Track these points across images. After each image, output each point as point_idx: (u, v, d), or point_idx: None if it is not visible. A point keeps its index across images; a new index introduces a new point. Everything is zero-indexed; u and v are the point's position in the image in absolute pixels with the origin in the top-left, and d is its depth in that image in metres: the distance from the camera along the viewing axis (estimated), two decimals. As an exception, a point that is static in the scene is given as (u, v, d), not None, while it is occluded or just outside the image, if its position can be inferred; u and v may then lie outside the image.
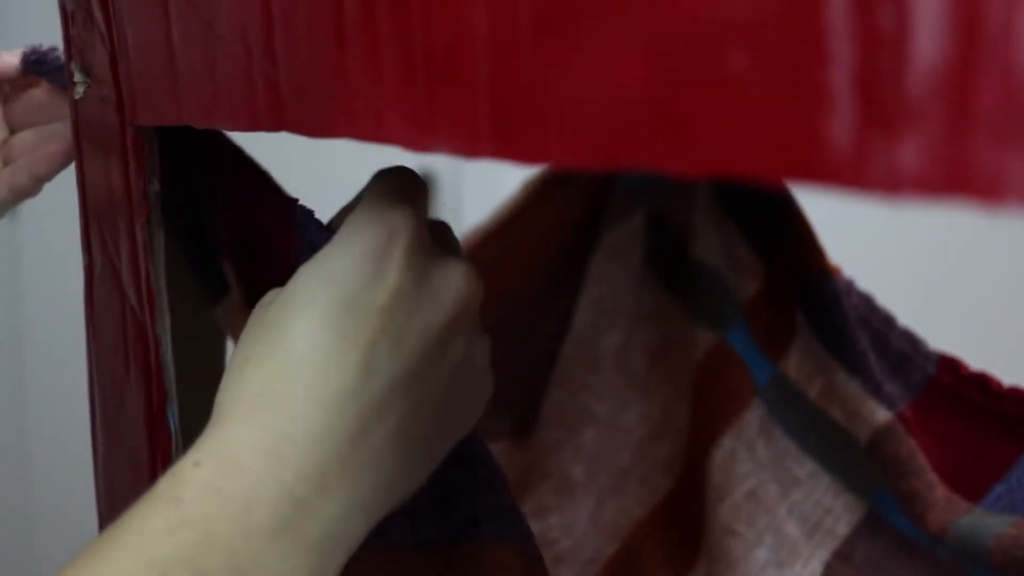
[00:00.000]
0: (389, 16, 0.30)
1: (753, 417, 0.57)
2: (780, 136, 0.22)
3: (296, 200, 0.40)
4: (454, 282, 0.37)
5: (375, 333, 0.34)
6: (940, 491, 0.51)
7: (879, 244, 1.30)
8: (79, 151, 0.45)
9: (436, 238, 0.38)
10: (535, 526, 0.53)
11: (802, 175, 0.22)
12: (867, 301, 0.57)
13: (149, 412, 0.43)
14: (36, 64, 0.50)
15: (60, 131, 0.51)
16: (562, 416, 0.60)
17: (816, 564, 0.55)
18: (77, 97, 0.44)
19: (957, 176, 0.19)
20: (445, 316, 0.36)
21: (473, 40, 0.28)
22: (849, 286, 0.57)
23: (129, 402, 0.45)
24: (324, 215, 0.40)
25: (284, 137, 0.35)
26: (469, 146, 0.29)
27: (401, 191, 0.37)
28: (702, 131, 0.24)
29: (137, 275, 0.42)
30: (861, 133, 0.20)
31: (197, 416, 0.38)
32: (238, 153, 0.44)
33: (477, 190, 1.37)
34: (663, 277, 0.60)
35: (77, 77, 0.44)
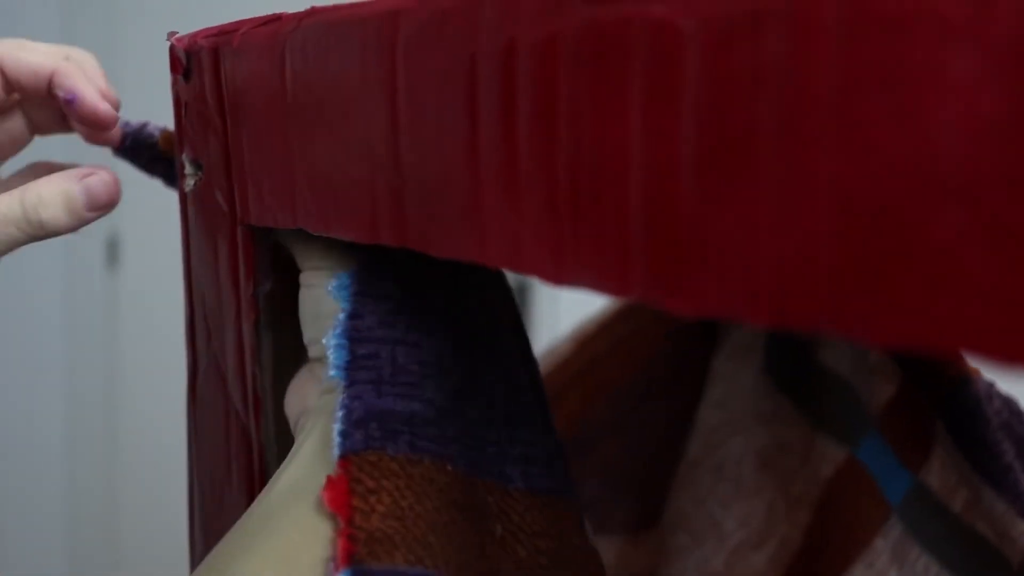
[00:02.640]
0: (531, 133, 0.27)
1: (886, 544, 0.52)
2: (999, 313, 0.19)
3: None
4: None
5: None
6: None
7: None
8: (186, 243, 0.44)
9: None
10: None
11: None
12: (1010, 405, 0.53)
13: (250, 520, 0.41)
14: (130, 151, 0.48)
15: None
16: (688, 523, 0.56)
17: None
18: (187, 190, 0.42)
19: None
20: None
21: (627, 166, 0.25)
22: (990, 389, 0.53)
23: (229, 507, 0.43)
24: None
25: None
26: (617, 285, 0.26)
27: None
28: (899, 298, 0.20)
29: (243, 377, 0.40)
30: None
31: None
32: None
33: (573, 303, 1.35)
34: (782, 380, 0.57)
35: (188, 170, 0.42)
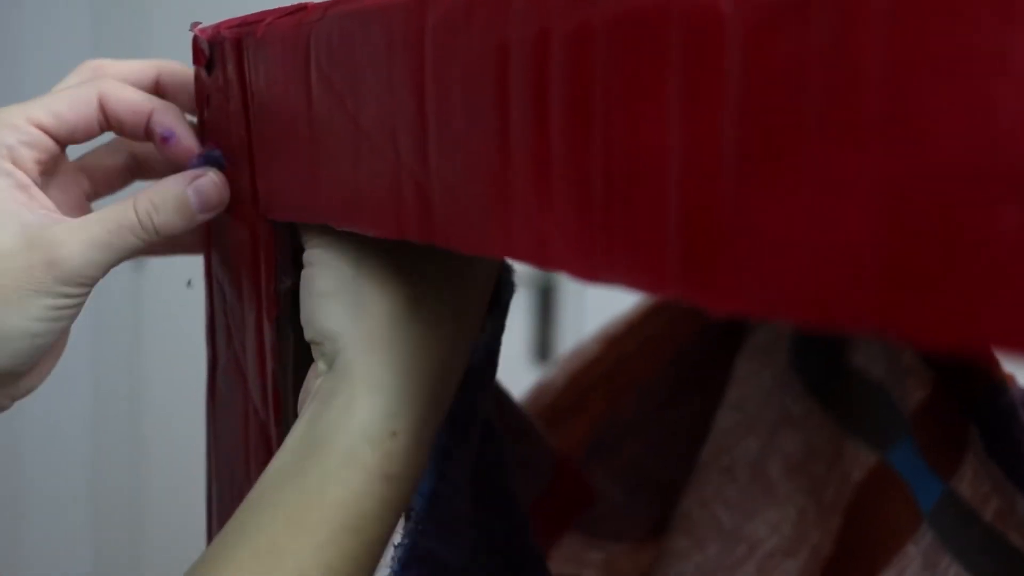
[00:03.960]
0: (564, 128, 0.26)
1: (917, 550, 0.51)
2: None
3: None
4: None
5: None
6: None
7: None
8: (208, 239, 0.43)
9: None
10: None
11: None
12: (1045, 413, 0.52)
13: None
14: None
15: None
16: (691, 526, 0.55)
17: None
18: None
19: None
20: None
21: (663, 162, 0.24)
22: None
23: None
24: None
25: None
26: (651, 282, 0.25)
27: None
28: (953, 300, 0.19)
29: (263, 375, 0.40)
30: None
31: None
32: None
33: (598, 303, 1.33)
34: (812, 382, 0.56)
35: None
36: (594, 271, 0.26)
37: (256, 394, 0.40)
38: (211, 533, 0.45)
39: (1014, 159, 0.18)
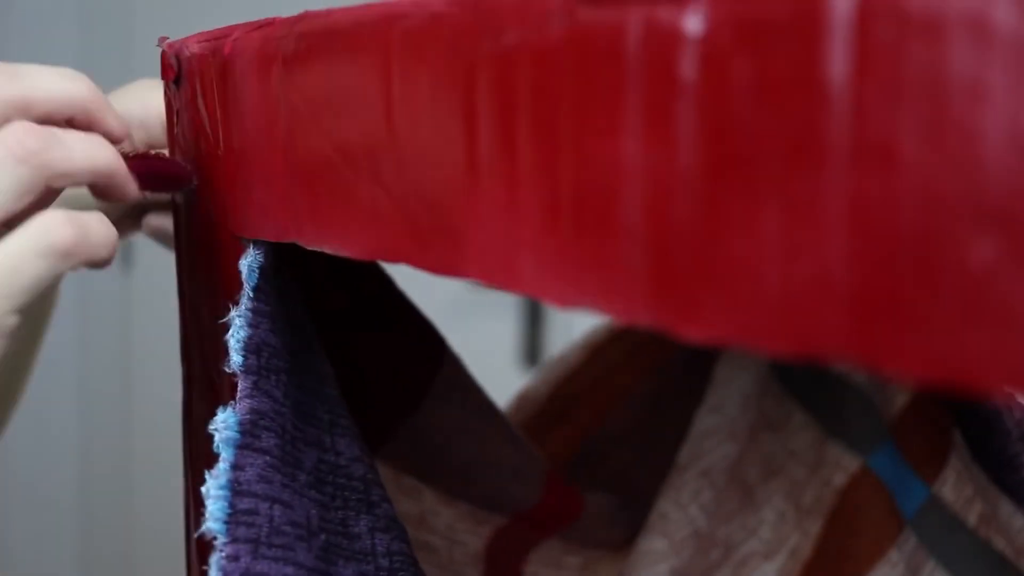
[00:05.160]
0: (530, 149, 0.26)
1: (900, 556, 0.51)
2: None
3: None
4: None
5: None
6: None
7: None
8: (179, 257, 0.42)
9: None
10: None
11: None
12: (1030, 417, 0.52)
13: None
14: None
15: None
16: (668, 527, 0.55)
17: None
18: (179, 201, 0.41)
19: None
20: None
21: (626, 186, 0.24)
22: (1010, 400, 0.52)
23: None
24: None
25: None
26: (622, 309, 0.24)
27: None
28: (927, 330, 0.19)
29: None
30: None
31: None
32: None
33: None
34: (793, 387, 0.55)
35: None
36: (565, 296, 0.25)
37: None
38: (189, 552, 0.44)
39: (990, 189, 0.18)
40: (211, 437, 0.35)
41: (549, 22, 0.25)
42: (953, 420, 0.51)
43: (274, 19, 0.35)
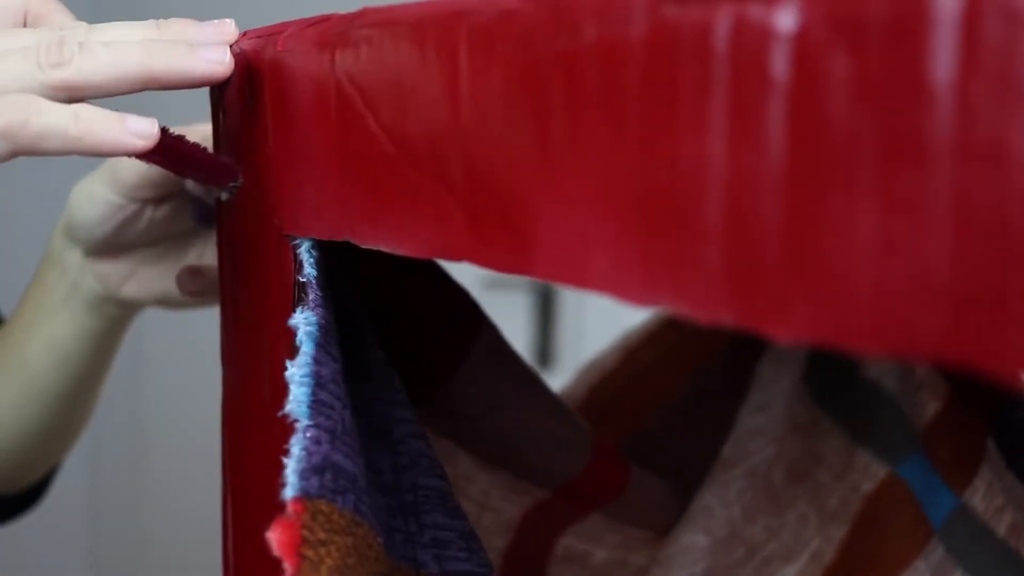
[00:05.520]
0: (607, 145, 0.26)
1: (926, 566, 0.51)
2: None
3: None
4: None
5: None
6: None
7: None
8: (221, 257, 0.42)
9: None
10: None
11: None
12: (1066, 424, 0.52)
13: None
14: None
15: None
16: (711, 524, 0.54)
17: None
18: (224, 199, 0.41)
19: None
20: None
21: (711, 180, 0.24)
22: None
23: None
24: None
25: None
26: (703, 307, 0.24)
27: None
28: (1033, 328, 0.19)
29: (280, 398, 0.39)
30: None
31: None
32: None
33: (598, 305, 1.32)
34: (822, 391, 0.55)
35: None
36: (642, 295, 0.25)
37: (276, 414, 0.39)
38: (227, 555, 0.44)
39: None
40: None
41: (630, 19, 0.25)
42: (988, 429, 0.51)
43: (331, 15, 0.35)
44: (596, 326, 1.23)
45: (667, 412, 0.58)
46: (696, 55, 0.24)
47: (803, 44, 0.22)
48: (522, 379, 0.51)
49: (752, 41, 0.23)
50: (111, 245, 0.53)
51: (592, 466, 0.53)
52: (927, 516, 0.51)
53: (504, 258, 0.29)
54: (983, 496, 0.50)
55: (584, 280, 0.27)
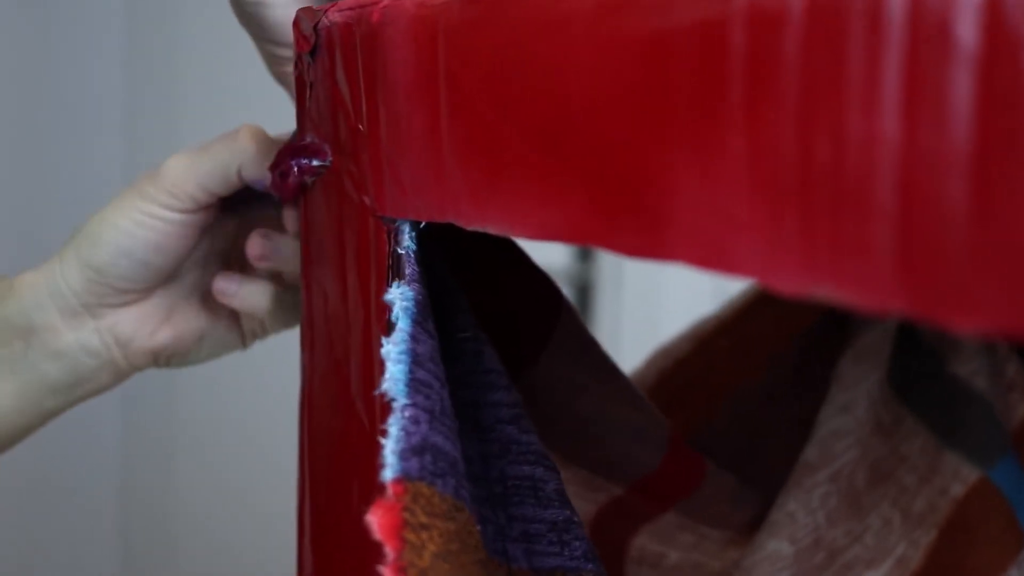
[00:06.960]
0: (758, 121, 0.24)
1: (1020, 573, 0.49)
2: None
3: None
4: None
5: None
6: None
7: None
8: (306, 240, 0.40)
9: None
10: None
11: None
12: None
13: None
14: None
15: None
16: (795, 531, 0.53)
17: None
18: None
19: None
20: None
21: (883, 158, 0.22)
22: None
23: (348, 527, 0.39)
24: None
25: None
26: (871, 295, 0.22)
27: None
28: None
29: (370, 385, 0.37)
30: None
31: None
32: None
33: (636, 302, 1.30)
34: (907, 390, 0.53)
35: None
36: (799, 282, 0.23)
37: (360, 404, 0.38)
38: (302, 549, 0.42)
39: None
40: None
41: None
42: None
43: (433, -14, 0.33)
44: (633, 318, 1.22)
45: (738, 404, 0.57)
46: (869, 22, 0.22)
47: (995, 5, 0.20)
48: (600, 365, 0.49)
49: (935, 5, 0.21)
50: (163, 276, 0.46)
51: (668, 459, 0.51)
52: (1020, 522, 0.49)
53: (633, 240, 0.27)
54: None
55: (730, 264, 0.25)
